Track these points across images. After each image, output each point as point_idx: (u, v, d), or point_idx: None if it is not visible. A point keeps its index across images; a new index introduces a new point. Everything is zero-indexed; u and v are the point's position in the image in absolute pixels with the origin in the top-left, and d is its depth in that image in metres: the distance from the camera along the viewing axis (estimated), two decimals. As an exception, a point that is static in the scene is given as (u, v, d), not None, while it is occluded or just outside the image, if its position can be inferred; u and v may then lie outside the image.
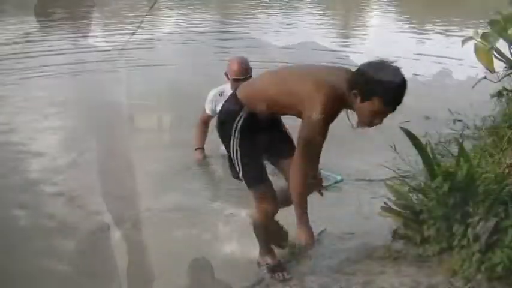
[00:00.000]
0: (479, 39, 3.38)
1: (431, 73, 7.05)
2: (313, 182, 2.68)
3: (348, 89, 2.30)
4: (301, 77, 2.49)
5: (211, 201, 3.90)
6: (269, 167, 2.84)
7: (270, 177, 2.77)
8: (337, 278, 2.85)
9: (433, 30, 10.51)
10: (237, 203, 3.75)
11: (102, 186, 3.99)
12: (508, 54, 3.52)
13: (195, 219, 3.54)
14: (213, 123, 4.42)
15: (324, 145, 2.49)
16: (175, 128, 5.07)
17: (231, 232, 3.41)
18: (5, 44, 8.65)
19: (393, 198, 3.19)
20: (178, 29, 10.53)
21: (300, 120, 2.48)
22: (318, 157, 2.54)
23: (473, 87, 3.69)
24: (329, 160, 3.34)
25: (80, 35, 9.69)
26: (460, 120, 5.00)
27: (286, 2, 14.49)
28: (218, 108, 4.32)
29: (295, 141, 2.54)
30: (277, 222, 2.95)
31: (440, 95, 5.95)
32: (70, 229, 3.42)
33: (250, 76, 4.18)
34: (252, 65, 4.24)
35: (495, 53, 3.41)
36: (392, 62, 2.31)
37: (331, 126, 2.59)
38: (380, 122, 2.30)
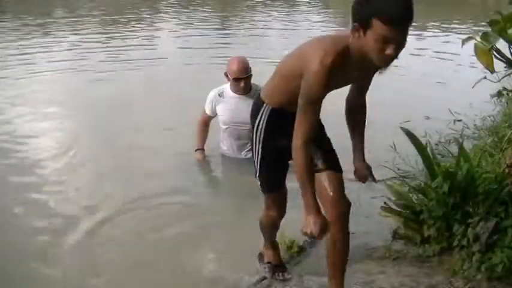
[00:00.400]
0: (479, 39, 3.37)
1: (431, 73, 7.05)
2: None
3: (351, 33, 2.11)
4: (305, 44, 2.33)
5: (211, 201, 3.91)
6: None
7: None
8: (337, 278, 2.85)
9: (433, 30, 10.51)
10: (237, 203, 3.76)
11: (100, 186, 4.01)
12: (508, 54, 3.50)
13: (195, 218, 3.54)
14: (213, 123, 4.44)
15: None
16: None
17: (231, 232, 3.41)
18: None
19: (393, 198, 3.19)
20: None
21: None
22: (317, 121, 2.26)
23: (473, 87, 3.67)
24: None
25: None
26: (460, 120, 5.01)
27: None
28: (218, 108, 4.34)
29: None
30: (276, 231, 2.91)
31: (440, 95, 5.95)
32: (70, 229, 3.42)
33: (251, 75, 4.19)
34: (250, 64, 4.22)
35: (495, 53, 3.40)
36: None
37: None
38: (392, 53, 2.02)
